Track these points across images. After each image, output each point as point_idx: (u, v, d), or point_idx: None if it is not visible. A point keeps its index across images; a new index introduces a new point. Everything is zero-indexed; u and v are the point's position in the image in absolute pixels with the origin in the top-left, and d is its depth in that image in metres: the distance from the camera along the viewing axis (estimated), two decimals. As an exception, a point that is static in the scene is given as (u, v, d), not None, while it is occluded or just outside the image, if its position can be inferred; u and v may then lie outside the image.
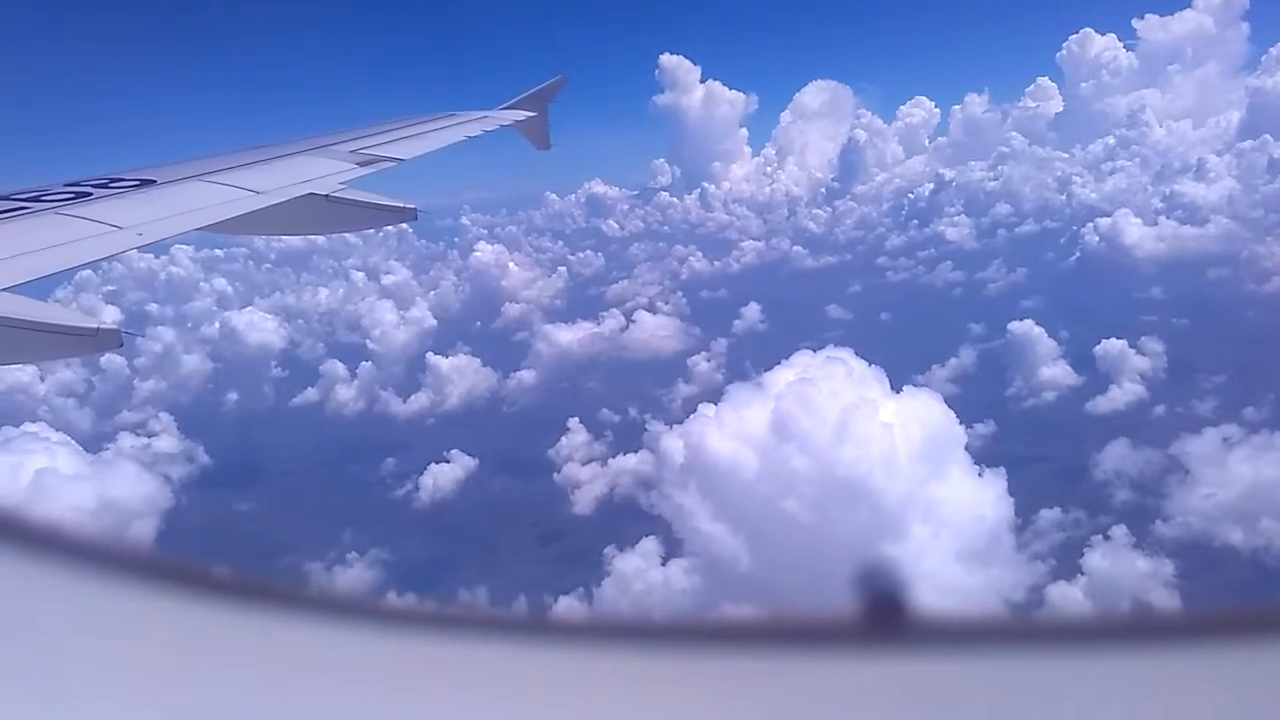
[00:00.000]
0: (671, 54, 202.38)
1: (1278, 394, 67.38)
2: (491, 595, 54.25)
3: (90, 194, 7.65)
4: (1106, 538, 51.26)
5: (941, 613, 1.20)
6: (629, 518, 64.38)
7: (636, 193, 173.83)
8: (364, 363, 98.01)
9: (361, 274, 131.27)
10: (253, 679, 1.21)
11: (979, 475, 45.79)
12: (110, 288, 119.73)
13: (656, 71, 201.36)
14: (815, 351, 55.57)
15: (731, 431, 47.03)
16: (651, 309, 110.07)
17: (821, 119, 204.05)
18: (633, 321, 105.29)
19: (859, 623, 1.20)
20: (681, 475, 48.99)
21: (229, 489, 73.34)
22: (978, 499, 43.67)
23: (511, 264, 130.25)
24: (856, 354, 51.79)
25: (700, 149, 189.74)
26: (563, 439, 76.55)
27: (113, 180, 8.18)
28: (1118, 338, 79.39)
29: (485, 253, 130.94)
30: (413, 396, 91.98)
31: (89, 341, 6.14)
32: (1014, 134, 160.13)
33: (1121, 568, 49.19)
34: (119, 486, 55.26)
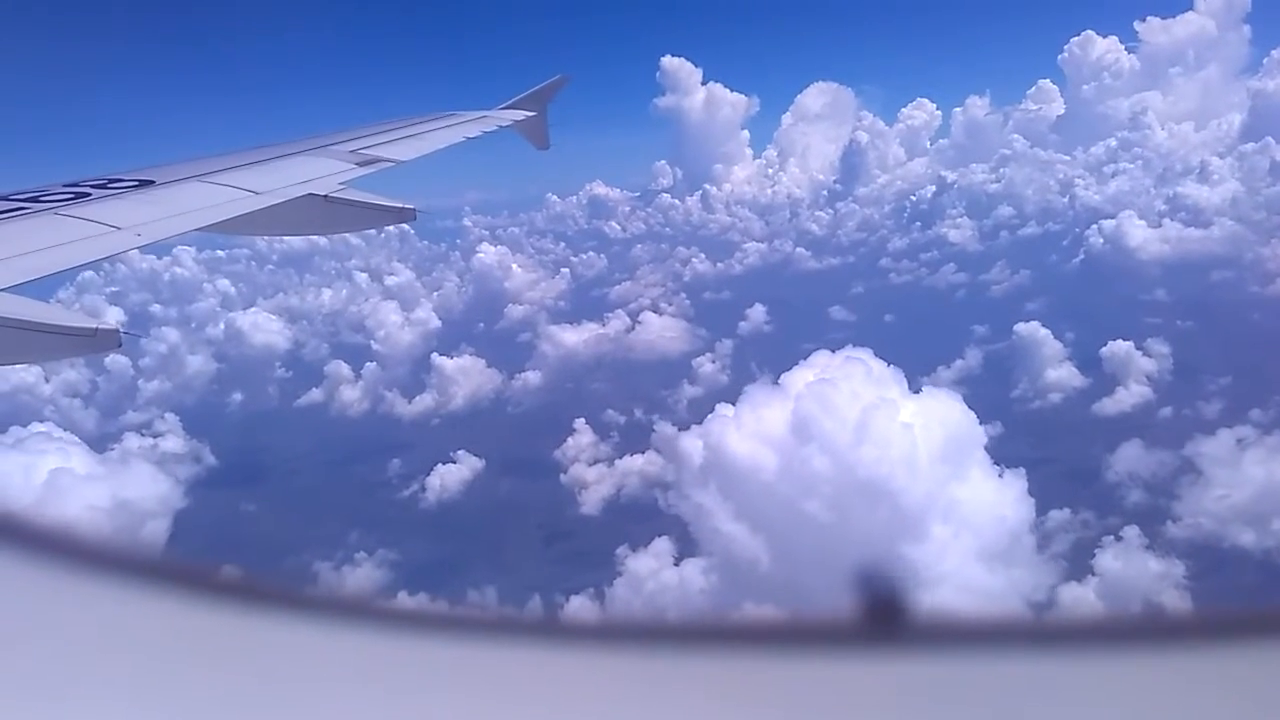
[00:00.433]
0: (673, 56, 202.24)
1: (1285, 396, 67.45)
2: (501, 596, 54.26)
3: (89, 194, 7.64)
4: (1118, 539, 51.34)
5: (941, 613, 1.20)
6: (637, 518, 64.37)
7: (638, 194, 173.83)
8: (369, 363, 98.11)
9: (365, 275, 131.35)
10: (259, 681, 1.21)
11: (999, 476, 45.90)
12: (113, 289, 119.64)
13: (658, 74, 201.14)
14: (829, 352, 55.51)
15: (750, 431, 47.09)
16: (656, 310, 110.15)
17: (823, 121, 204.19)
18: (638, 323, 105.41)
19: (859, 624, 1.19)
20: (700, 475, 49.06)
21: (235, 489, 73.27)
22: (999, 499, 43.74)
23: (514, 265, 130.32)
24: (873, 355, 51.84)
25: (702, 151, 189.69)
26: (569, 440, 76.66)
27: (111, 181, 8.17)
28: (1124, 340, 79.55)
29: (488, 254, 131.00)
30: (418, 397, 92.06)
31: (89, 342, 6.14)
32: (1016, 136, 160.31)
33: (1133, 569, 49.24)
34: (133, 487, 55.20)
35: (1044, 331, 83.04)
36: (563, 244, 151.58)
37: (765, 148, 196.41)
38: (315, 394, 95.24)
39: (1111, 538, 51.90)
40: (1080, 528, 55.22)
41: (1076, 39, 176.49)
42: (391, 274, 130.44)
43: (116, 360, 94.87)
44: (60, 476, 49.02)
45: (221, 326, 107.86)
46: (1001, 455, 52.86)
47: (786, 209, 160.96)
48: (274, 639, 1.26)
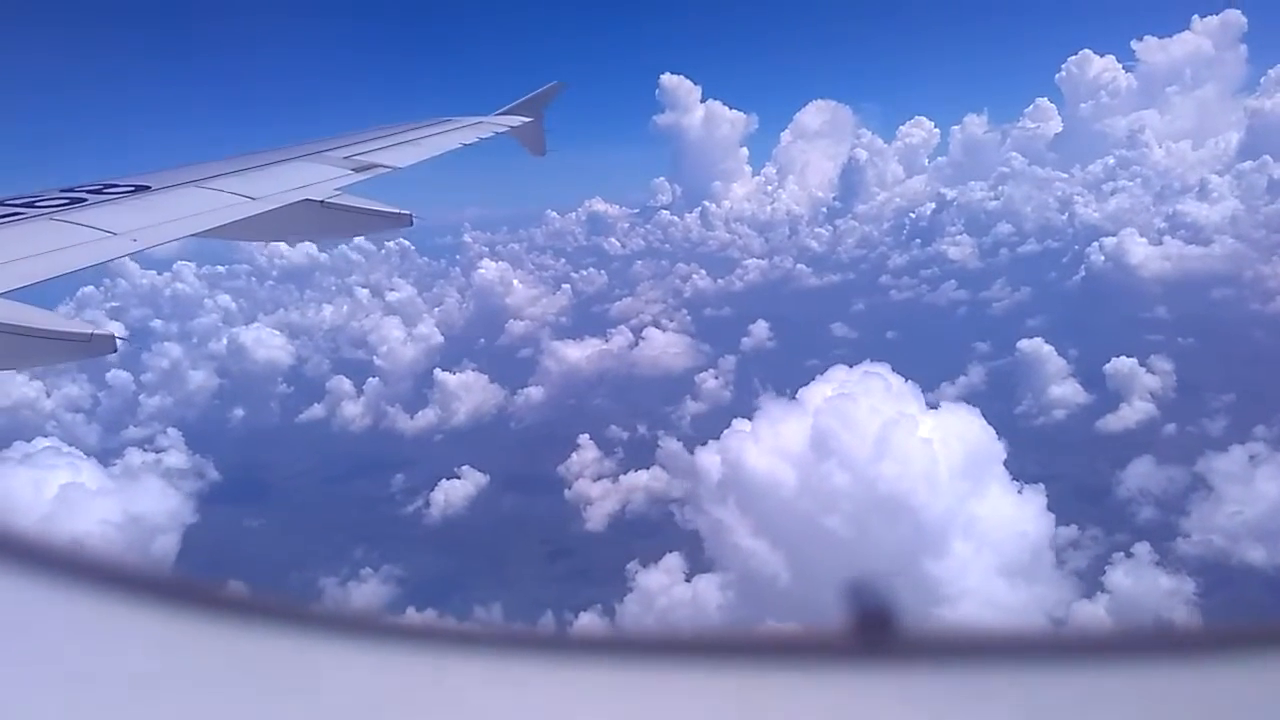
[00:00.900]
0: (672, 74, 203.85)
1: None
2: (507, 612, 53.96)
3: (85, 200, 7.59)
4: (1129, 555, 51.26)
5: (933, 627, 1.20)
6: (643, 534, 64.23)
7: (637, 211, 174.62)
8: (370, 379, 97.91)
9: (366, 291, 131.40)
10: (262, 697, 1.21)
11: (1019, 491, 45.81)
12: (114, 304, 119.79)
13: (657, 91, 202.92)
14: (846, 367, 55.26)
15: (768, 446, 46.95)
16: (658, 326, 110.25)
17: (822, 138, 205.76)
18: (642, 339, 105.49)
19: (850, 637, 1.19)
20: (718, 490, 48.88)
21: (239, 505, 72.97)
22: (1019, 515, 43.63)
23: (515, 281, 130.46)
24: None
25: (701, 168, 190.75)
26: (573, 455, 76.52)
27: (107, 186, 8.10)
28: (1128, 356, 79.71)
29: (489, 270, 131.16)
30: (420, 413, 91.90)
31: (84, 346, 6.08)
32: (1014, 154, 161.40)
33: (1144, 585, 49.16)
34: (143, 502, 54.94)
35: (1047, 348, 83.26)
36: (562, 260, 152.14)
37: (764, 165, 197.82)
38: (317, 409, 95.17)
39: (1122, 554, 51.86)
40: (1090, 544, 55.18)
41: (1074, 58, 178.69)
42: (392, 289, 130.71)
43: (118, 375, 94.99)
44: (70, 491, 48.88)
45: (224, 342, 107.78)
46: (1009, 471, 52.80)
47: (786, 226, 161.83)
48: (278, 655, 1.26)
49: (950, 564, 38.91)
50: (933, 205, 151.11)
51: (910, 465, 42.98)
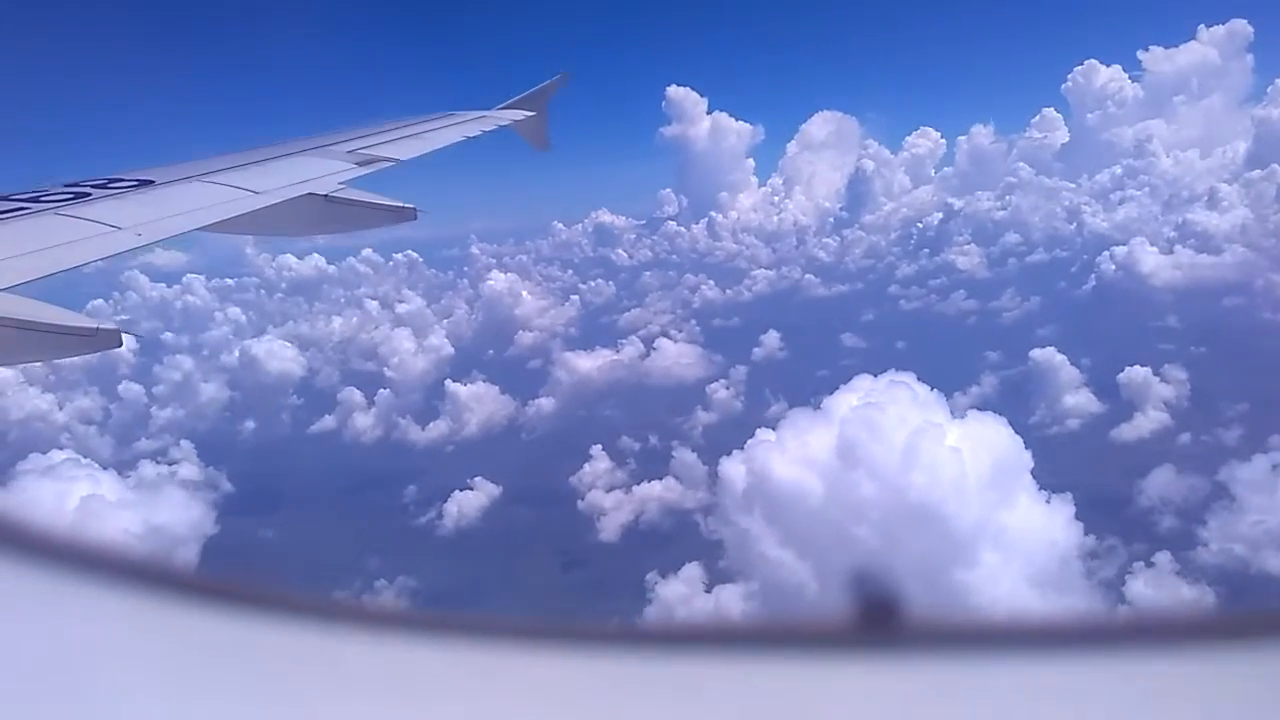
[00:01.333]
0: (678, 85, 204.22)
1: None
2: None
3: (89, 194, 7.58)
4: (1149, 564, 51.07)
5: (936, 616, 1.20)
6: (657, 545, 64.11)
7: (644, 222, 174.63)
8: (381, 390, 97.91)
9: (375, 303, 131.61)
10: (265, 687, 1.22)
11: (1047, 501, 45.64)
12: (123, 316, 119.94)
13: (663, 103, 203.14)
14: (870, 376, 54.99)
15: (794, 456, 46.85)
16: (667, 337, 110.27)
17: (828, 149, 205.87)
18: (653, 349, 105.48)
19: (854, 626, 1.20)
20: (744, 500, 48.69)
21: (253, 516, 72.91)
22: (1048, 524, 43.47)
23: (524, 292, 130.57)
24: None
25: (707, 179, 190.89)
26: (585, 466, 76.44)
27: (112, 181, 8.11)
28: (1140, 365, 79.55)
29: (498, 281, 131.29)
30: (431, 424, 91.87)
31: (89, 341, 6.12)
32: (1020, 164, 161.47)
33: (1165, 595, 48.88)
34: (164, 512, 54.98)
35: (1060, 357, 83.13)
36: (570, 271, 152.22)
37: (770, 176, 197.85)
38: (328, 421, 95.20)
39: (1142, 563, 51.69)
40: (1107, 554, 54.97)
41: (1080, 68, 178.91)
42: (401, 301, 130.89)
43: (130, 387, 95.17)
44: (92, 503, 48.90)
45: (235, 354, 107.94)
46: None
47: (793, 236, 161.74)
48: (282, 645, 1.27)
49: (980, 574, 38.76)
50: (940, 215, 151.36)
51: (939, 474, 42.92)
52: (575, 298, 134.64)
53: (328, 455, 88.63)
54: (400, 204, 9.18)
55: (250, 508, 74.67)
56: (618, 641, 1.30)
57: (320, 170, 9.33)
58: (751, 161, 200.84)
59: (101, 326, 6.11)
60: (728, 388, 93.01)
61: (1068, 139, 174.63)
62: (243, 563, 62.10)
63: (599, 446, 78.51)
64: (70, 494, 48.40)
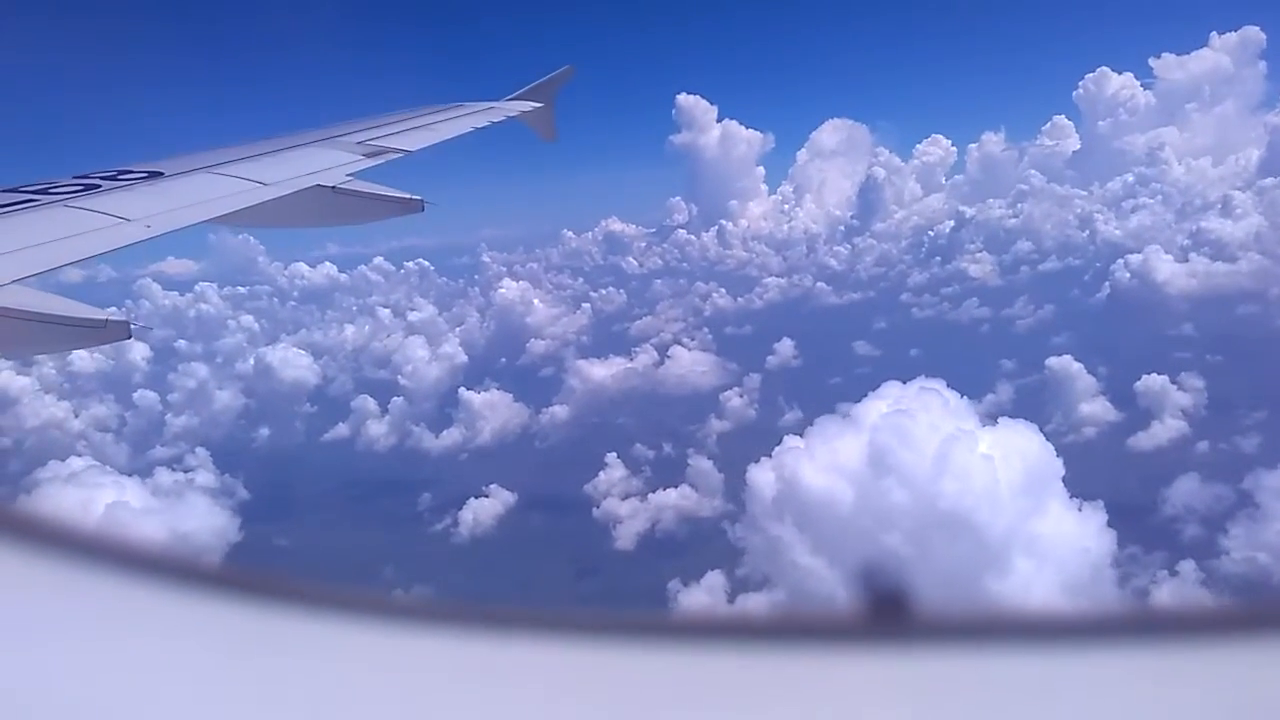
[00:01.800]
0: (688, 93, 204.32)
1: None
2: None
3: (99, 186, 7.61)
4: (1174, 573, 50.80)
5: (943, 609, 1.21)
6: (673, 553, 64.09)
7: (654, 230, 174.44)
8: (395, 398, 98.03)
9: (387, 311, 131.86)
10: (281, 677, 1.23)
11: (1079, 509, 45.45)
12: (138, 324, 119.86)
13: (673, 111, 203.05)
14: (900, 383, 54.76)
15: (824, 463, 46.74)
16: (680, 344, 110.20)
17: (838, 157, 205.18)
18: (667, 357, 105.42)
19: (862, 619, 1.21)
20: (773, 508, 48.58)
21: (268, 523, 73.02)
22: (1080, 532, 43.30)
23: (536, 300, 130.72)
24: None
25: (717, 187, 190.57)
26: (600, 474, 76.35)
27: (121, 173, 8.15)
28: (1157, 373, 79.29)
29: (509, 289, 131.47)
30: (445, 431, 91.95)
31: (98, 332, 6.17)
32: (1032, 172, 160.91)
33: (1189, 603, 48.63)
34: (189, 520, 55.15)
35: (1076, 365, 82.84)
36: (580, 279, 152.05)
37: (781, 183, 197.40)
38: (342, 429, 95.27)
39: (1165, 572, 51.44)
40: (1128, 562, 54.69)
41: (1091, 75, 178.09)
42: (413, 309, 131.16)
43: (145, 395, 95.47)
44: (117, 510, 49.06)
45: (250, 362, 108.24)
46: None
47: (804, 244, 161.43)
48: (292, 635, 1.28)
49: (1013, 582, 38.59)
50: (951, 223, 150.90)
51: (971, 482, 42.80)
52: (586, 306, 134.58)
53: (342, 463, 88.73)
54: (408, 195, 9.17)
55: (266, 515, 74.82)
56: (628, 633, 1.29)
57: (328, 162, 9.37)
58: (762, 169, 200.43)
59: (111, 318, 6.18)
60: (741, 395, 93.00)
61: (1079, 146, 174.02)
62: (259, 568, 62.05)
63: (614, 454, 78.48)
64: (95, 501, 48.63)
